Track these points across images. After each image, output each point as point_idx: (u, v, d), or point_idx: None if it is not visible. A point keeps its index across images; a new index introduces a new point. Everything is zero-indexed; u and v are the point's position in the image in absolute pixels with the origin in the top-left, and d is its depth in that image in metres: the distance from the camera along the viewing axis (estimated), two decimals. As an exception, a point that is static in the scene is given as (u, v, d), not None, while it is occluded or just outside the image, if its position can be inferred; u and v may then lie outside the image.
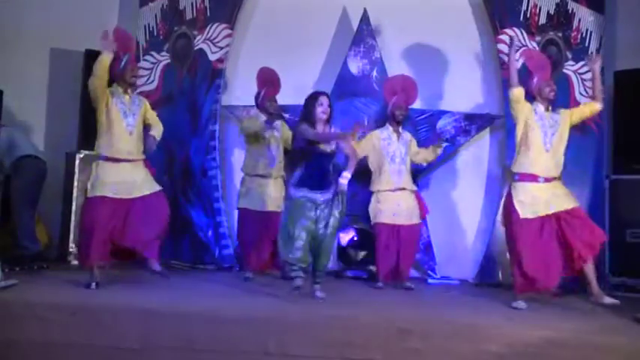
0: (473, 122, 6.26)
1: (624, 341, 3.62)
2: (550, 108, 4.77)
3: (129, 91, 4.82)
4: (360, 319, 3.92)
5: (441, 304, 4.94)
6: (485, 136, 6.45)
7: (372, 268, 5.90)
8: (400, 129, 5.72)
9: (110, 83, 4.76)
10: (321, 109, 4.65)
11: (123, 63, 4.75)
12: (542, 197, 4.61)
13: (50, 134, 6.70)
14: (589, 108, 4.87)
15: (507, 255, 5.63)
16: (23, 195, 5.66)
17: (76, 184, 6.04)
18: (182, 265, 6.16)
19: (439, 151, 5.74)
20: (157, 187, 4.90)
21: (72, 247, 5.99)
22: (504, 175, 6.13)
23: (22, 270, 5.26)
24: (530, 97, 4.79)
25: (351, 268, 6.14)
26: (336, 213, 4.63)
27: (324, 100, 4.69)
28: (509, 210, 4.67)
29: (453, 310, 4.52)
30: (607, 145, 5.99)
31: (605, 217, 5.69)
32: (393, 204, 5.54)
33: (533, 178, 4.66)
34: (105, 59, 4.62)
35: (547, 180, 4.66)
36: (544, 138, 4.67)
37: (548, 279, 4.55)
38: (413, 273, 5.86)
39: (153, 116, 5.07)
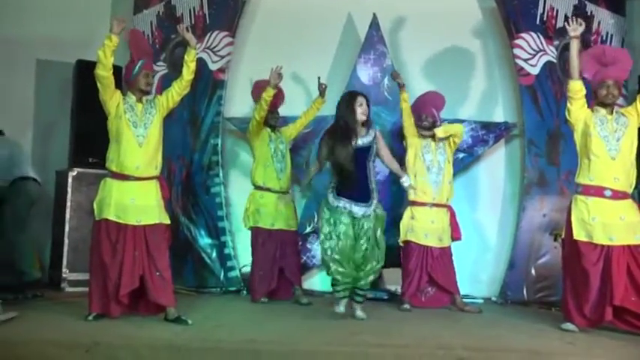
0: (490, 131, 5.94)
1: None
2: (614, 111, 4.30)
3: (143, 100, 4.28)
4: (411, 347, 3.54)
5: (484, 326, 4.46)
6: (501, 146, 6.15)
7: (393, 288, 5.56)
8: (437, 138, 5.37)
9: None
10: (361, 110, 4.46)
11: (137, 68, 4.25)
12: (604, 220, 4.13)
13: (38, 151, 6.18)
14: None
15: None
16: (20, 219, 5.15)
17: (69, 204, 5.55)
18: (187, 291, 5.64)
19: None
20: (166, 219, 4.32)
21: (65, 272, 5.50)
22: (521, 186, 5.90)
23: (16, 299, 4.75)
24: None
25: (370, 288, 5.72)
26: (377, 225, 4.46)
27: (363, 100, 4.49)
28: (566, 226, 4.26)
29: (504, 335, 4.10)
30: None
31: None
32: (427, 222, 5.22)
33: (598, 191, 4.17)
34: (110, 42, 4.07)
35: (616, 195, 4.15)
36: (607, 144, 4.18)
37: (599, 313, 4.06)
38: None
39: (172, 85, 4.40)
